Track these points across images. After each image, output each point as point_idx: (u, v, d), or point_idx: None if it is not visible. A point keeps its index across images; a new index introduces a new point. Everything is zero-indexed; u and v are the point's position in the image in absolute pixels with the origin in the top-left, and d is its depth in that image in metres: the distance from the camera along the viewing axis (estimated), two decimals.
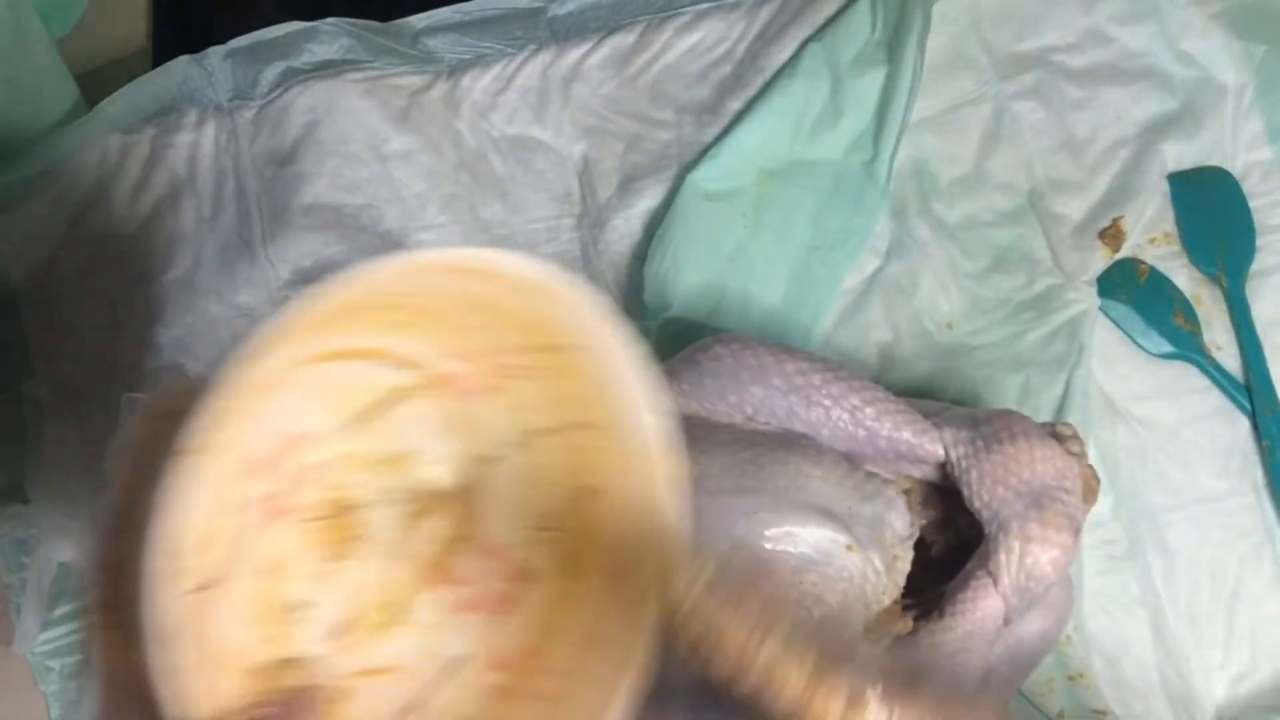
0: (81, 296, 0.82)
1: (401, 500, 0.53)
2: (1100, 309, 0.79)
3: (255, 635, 0.49)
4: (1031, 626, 0.59)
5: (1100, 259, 0.80)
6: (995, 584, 0.56)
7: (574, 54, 0.87)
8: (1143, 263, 0.80)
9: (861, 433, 0.61)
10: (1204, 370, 0.77)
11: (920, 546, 0.61)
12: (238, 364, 0.42)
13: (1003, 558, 0.56)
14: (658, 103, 0.86)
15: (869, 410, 0.61)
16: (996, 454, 0.58)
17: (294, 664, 0.49)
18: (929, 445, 0.60)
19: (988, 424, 0.60)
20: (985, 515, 0.58)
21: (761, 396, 0.62)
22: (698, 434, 0.61)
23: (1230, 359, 0.78)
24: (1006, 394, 0.76)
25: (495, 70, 0.87)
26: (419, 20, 0.88)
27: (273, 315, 0.43)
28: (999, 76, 0.84)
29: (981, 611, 0.56)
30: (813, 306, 0.79)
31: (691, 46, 0.86)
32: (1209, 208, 0.80)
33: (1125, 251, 0.80)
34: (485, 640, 0.52)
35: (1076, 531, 0.56)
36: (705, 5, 0.87)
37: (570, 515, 0.52)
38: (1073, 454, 0.59)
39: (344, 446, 0.52)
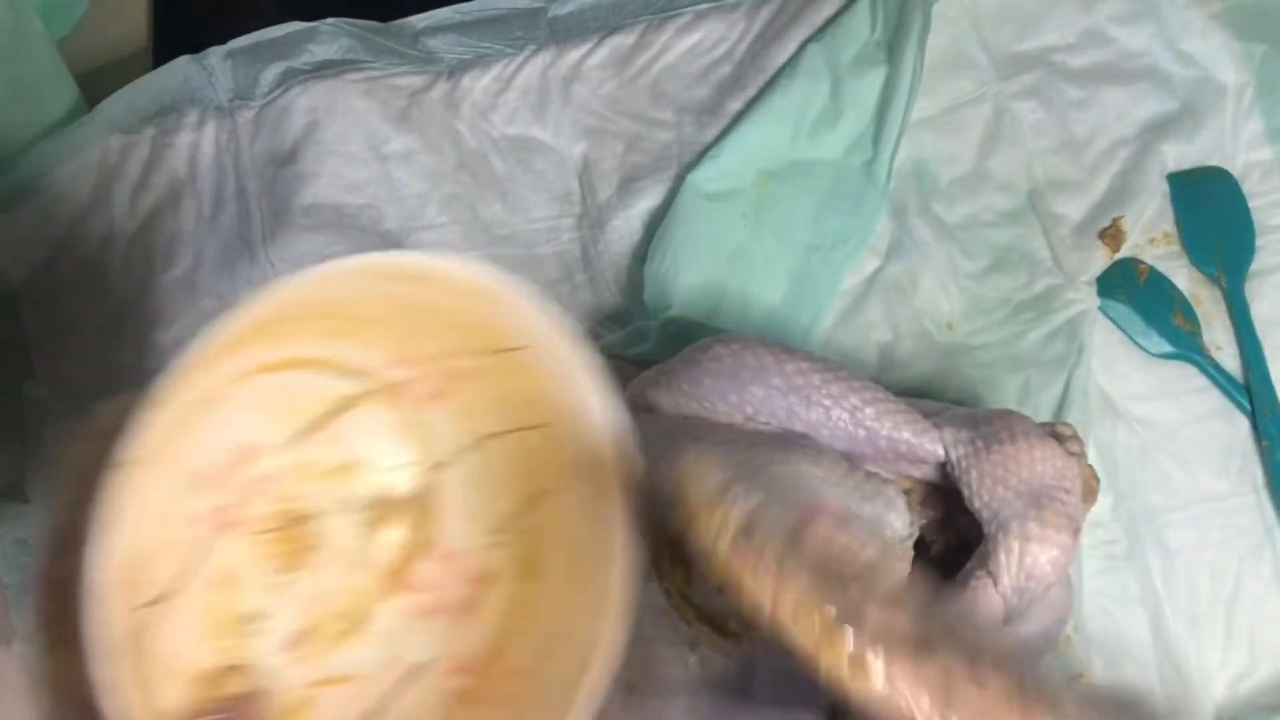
0: (82, 296, 0.82)
1: (357, 509, 0.53)
2: (1100, 309, 0.79)
3: (210, 648, 0.49)
4: (1031, 626, 0.59)
5: (1100, 259, 0.80)
6: (995, 584, 0.57)
7: (574, 54, 0.87)
8: (1142, 263, 0.80)
9: (861, 433, 0.61)
10: (1203, 370, 0.77)
11: (920, 546, 0.62)
12: (172, 377, 0.42)
13: (1002, 557, 0.56)
14: (658, 103, 0.86)
15: (869, 410, 0.61)
16: (996, 454, 0.58)
17: (239, 671, 0.49)
18: (929, 445, 0.60)
19: (988, 424, 0.60)
20: (985, 515, 0.58)
21: (761, 396, 0.62)
22: (698, 434, 0.61)
23: (1230, 359, 0.78)
24: (1006, 394, 0.76)
25: (495, 70, 0.87)
26: (419, 20, 0.89)
27: (206, 328, 0.42)
28: (999, 76, 0.84)
29: (981, 611, 0.57)
30: (813, 306, 0.79)
31: (691, 47, 0.87)
32: (1209, 208, 0.80)
33: (1125, 251, 0.80)
34: (446, 645, 0.52)
35: (1076, 531, 0.56)
36: (705, 5, 0.87)
37: (527, 516, 0.52)
38: (1072, 454, 0.59)
39: (293, 457, 0.52)
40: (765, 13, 0.87)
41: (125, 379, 0.80)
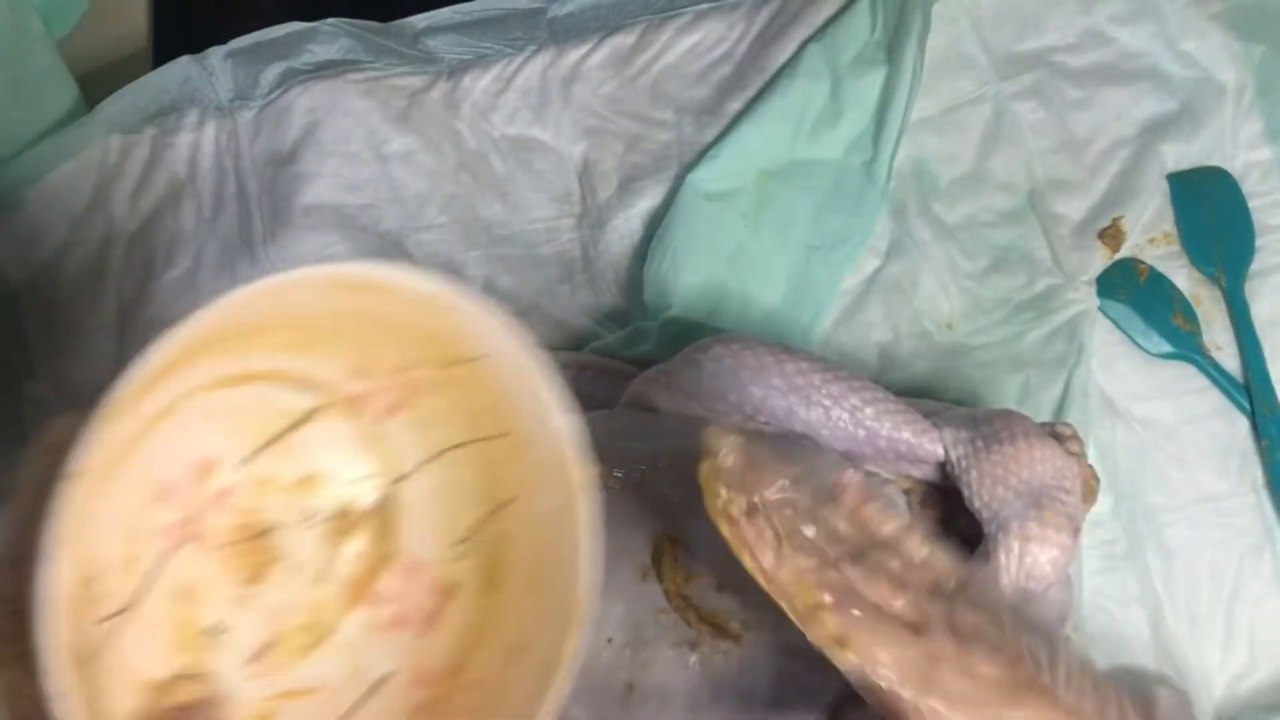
0: (83, 296, 0.82)
1: (319, 522, 0.53)
2: (1100, 309, 0.79)
3: (173, 660, 0.49)
4: None
5: (1100, 259, 0.80)
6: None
7: (574, 54, 0.87)
8: (1142, 263, 0.80)
9: (861, 433, 0.61)
10: (1203, 370, 0.77)
11: None
12: (123, 389, 0.42)
13: (1002, 557, 0.56)
14: (658, 103, 0.86)
15: (869, 410, 0.61)
16: (996, 454, 0.58)
17: (194, 679, 0.49)
18: (929, 445, 0.60)
19: (987, 424, 0.60)
20: (985, 515, 0.58)
21: (761, 396, 0.62)
22: (698, 435, 0.61)
23: (1230, 359, 0.78)
24: (1006, 394, 0.76)
25: (495, 71, 0.87)
26: (419, 21, 0.89)
27: (157, 339, 0.42)
28: (999, 76, 0.84)
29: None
30: (813, 306, 0.79)
31: (691, 47, 0.87)
32: (1208, 208, 0.80)
33: (1125, 251, 0.80)
34: (408, 657, 0.52)
35: (1076, 531, 0.56)
36: (705, 6, 0.87)
37: (490, 527, 0.52)
38: (1072, 454, 0.59)
39: (254, 471, 0.52)
40: (765, 13, 0.87)
41: None
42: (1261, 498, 0.75)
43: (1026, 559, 0.55)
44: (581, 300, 0.82)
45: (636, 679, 0.54)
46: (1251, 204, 0.80)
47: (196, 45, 0.86)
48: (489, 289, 0.82)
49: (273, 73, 0.86)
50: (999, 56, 0.85)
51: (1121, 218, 0.81)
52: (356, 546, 0.53)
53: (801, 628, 0.47)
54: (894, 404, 0.61)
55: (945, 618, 0.46)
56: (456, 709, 0.50)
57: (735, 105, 0.84)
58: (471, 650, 0.51)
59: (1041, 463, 0.58)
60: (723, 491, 0.48)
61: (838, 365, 0.63)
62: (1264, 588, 0.73)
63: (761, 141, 0.81)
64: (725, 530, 0.48)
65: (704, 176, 0.81)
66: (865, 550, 0.48)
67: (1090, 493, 0.61)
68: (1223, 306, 0.79)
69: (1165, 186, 0.81)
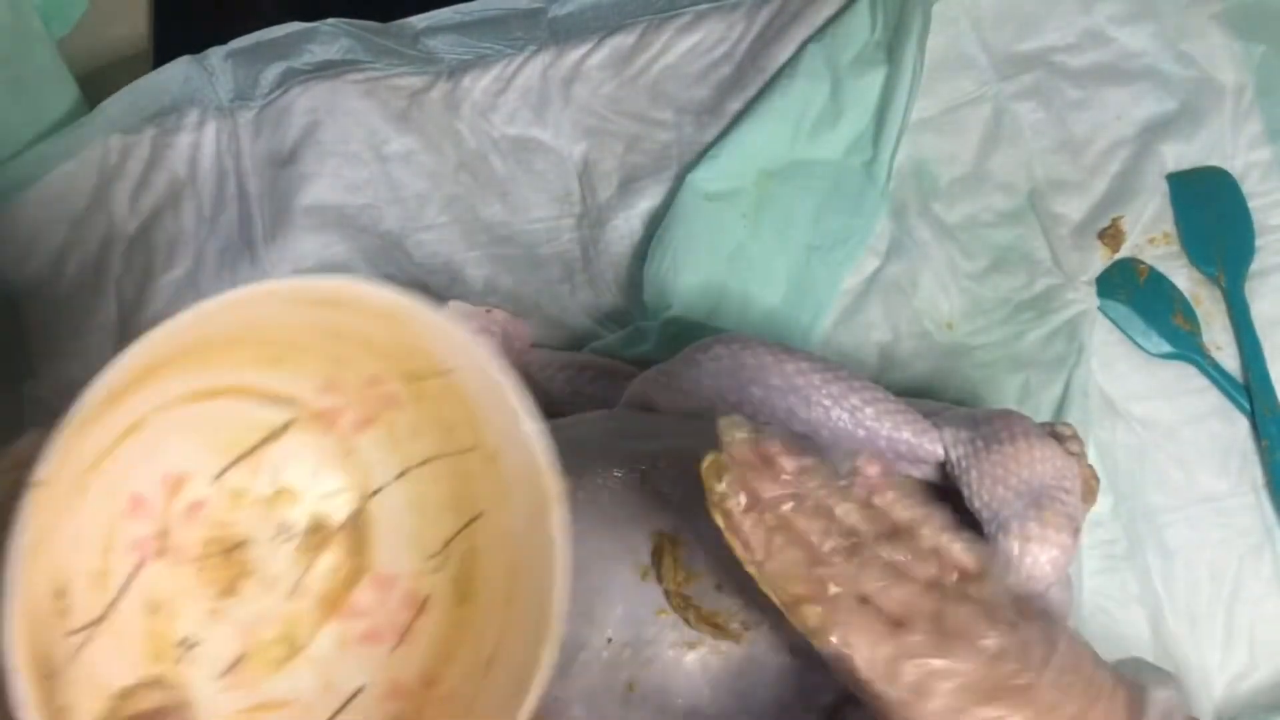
0: (83, 296, 0.82)
1: (292, 536, 0.54)
2: (1100, 309, 0.79)
3: (145, 673, 0.50)
4: None
5: (1100, 259, 0.80)
6: None
7: (574, 54, 0.87)
8: (1142, 263, 0.80)
9: (861, 433, 0.61)
10: (1203, 370, 0.77)
11: None
12: (87, 400, 0.42)
13: (1002, 557, 0.56)
14: (658, 103, 0.86)
15: (869, 410, 0.61)
16: (996, 454, 0.58)
17: (157, 685, 0.50)
18: (929, 445, 0.60)
19: (987, 424, 0.60)
20: (985, 515, 0.58)
21: (761, 396, 0.62)
22: (698, 435, 0.61)
23: (1229, 359, 0.78)
24: (1006, 394, 0.76)
25: (495, 71, 0.87)
26: (419, 21, 0.89)
27: (121, 351, 0.43)
28: (999, 77, 0.84)
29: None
30: (813, 306, 0.79)
31: (691, 47, 0.87)
32: (1208, 208, 0.80)
33: (1125, 251, 0.80)
34: (382, 670, 0.52)
35: (1076, 531, 0.56)
36: (705, 6, 0.87)
37: (463, 540, 0.53)
38: (1072, 454, 0.59)
39: (227, 485, 0.53)
40: (765, 13, 0.87)
41: None
42: (1261, 498, 0.75)
43: (1026, 559, 0.55)
44: (581, 300, 0.82)
45: (636, 679, 0.54)
46: (1251, 204, 0.80)
47: (196, 45, 0.86)
48: (489, 289, 0.82)
49: (273, 73, 0.86)
50: (999, 56, 0.85)
51: (1121, 218, 0.81)
52: (329, 561, 0.54)
53: (788, 617, 0.48)
54: (894, 404, 0.61)
55: (931, 613, 0.47)
56: None
57: (735, 105, 0.84)
58: (445, 663, 0.52)
59: (1041, 463, 0.58)
60: (720, 485, 0.49)
61: (838, 365, 0.63)
62: (1264, 588, 0.73)
63: (761, 141, 0.81)
64: (719, 522, 0.49)
65: (704, 176, 0.81)
66: (876, 539, 0.49)
67: (1090, 493, 0.61)
68: (1223, 306, 0.79)
69: (1165, 186, 0.81)
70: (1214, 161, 0.81)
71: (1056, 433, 0.60)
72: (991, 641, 0.47)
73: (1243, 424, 0.76)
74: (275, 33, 0.86)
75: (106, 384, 0.42)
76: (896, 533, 0.49)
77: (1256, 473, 0.75)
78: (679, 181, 0.82)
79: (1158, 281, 0.79)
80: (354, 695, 0.52)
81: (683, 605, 0.54)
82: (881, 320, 0.79)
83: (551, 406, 0.72)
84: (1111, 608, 0.73)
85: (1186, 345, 0.78)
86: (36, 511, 0.41)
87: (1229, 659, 0.72)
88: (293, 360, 0.51)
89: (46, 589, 0.46)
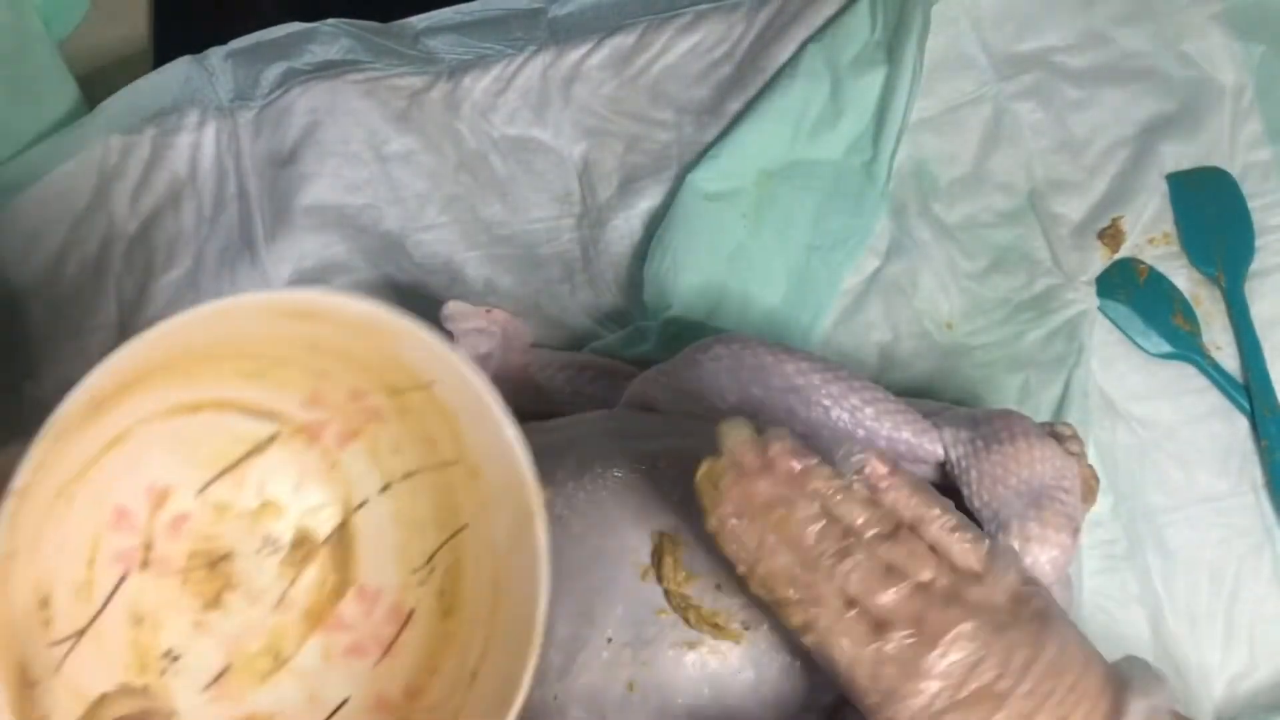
0: (83, 296, 0.82)
1: (277, 549, 0.54)
2: (1099, 309, 0.79)
3: (126, 681, 0.50)
4: None
5: (1099, 259, 0.80)
6: None
7: (574, 54, 0.87)
8: (1142, 263, 0.80)
9: (861, 433, 0.61)
10: (1203, 370, 0.77)
11: None
12: (64, 409, 0.42)
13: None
14: (658, 103, 0.86)
15: (869, 410, 0.61)
16: (996, 454, 0.58)
17: (134, 693, 0.50)
18: (929, 445, 0.60)
19: (987, 424, 0.60)
20: (985, 515, 0.58)
21: (761, 396, 0.62)
22: (698, 435, 0.61)
23: (1229, 359, 0.78)
24: (1006, 394, 0.76)
25: (495, 71, 0.87)
26: (419, 21, 0.89)
27: (96, 366, 0.43)
28: (999, 77, 0.84)
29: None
30: (813, 306, 0.79)
31: (692, 47, 0.87)
32: (1208, 208, 0.80)
33: (1124, 251, 0.80)
34: (367, 683, 0.53)
35: (1075, 531, 0.56)
36: (705, 6, 0.87)
37: (445, 553, 0.53)
38: (1072, 454, 0.59)
39: (211, 498, 0.53)
40: (765, 13, 0.87)
41: None
42: (1261, 498, 0.75)
43: (1026, 559, 0.55)
44: (581, 300, 0.82)
45: (636, 679, 0.54)
46: (1251, 204, 0.80)
47: (197, 45, 0.86)
48: (489, 289, 0.82)
49: (273, 73, 0.86)
50: (999, 56, 0.85)
51: (1121, 218, 0.81)
52: (314, 574, 0.54)
53: (779, 618, 0.49)
54: (894, 404, 0.61)
55: (915, 615, 0.47)
56: None
57: (735, 105, 0.84)
58: (429, 675, 0.52)
59: (1041, 463, 0.58)
60: (713, 490, 0.50)
61: (838, 365, 0.63)
62: (1264, 588, 0.73)
63: (761, 141, 0.81)
64: (712, 527, 0.50)
65: (704, 176, 0.81)
66: (875, 539, 0.49)
67: (1090, 493, 0.61)
68: (1222, 306, 0.79)
69: (1165, 187, 0.81)
70: (1214, 161, 0.81)
71: (1056, 433, 0.60)
72: (969, 647, 0.47)
73: (1243, 424, 0.76)
74: (275, 33, 0.87)
75: (81, 397, 0.43)
76: (899, 530, 0.50)
77: (1256, 473, 0.75)
78: (679, 181, 0.82)
79: (1157, 281, 0.79)
80: (339, 707, 0.53)
81: (683, 605, 0.54)
82: (881, 320, 0.79)
83: (551, 406, 0.72)
84: (1111, 608, 0.73)
85: (1186, 345, 0.78)
86: (14, 521, 0.42)
87: (1229, 659, 0.72)
88: (276, 374, 0.51)
89: (30, 598, 0.46)
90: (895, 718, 0.47)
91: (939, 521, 0.50)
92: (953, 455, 0.60)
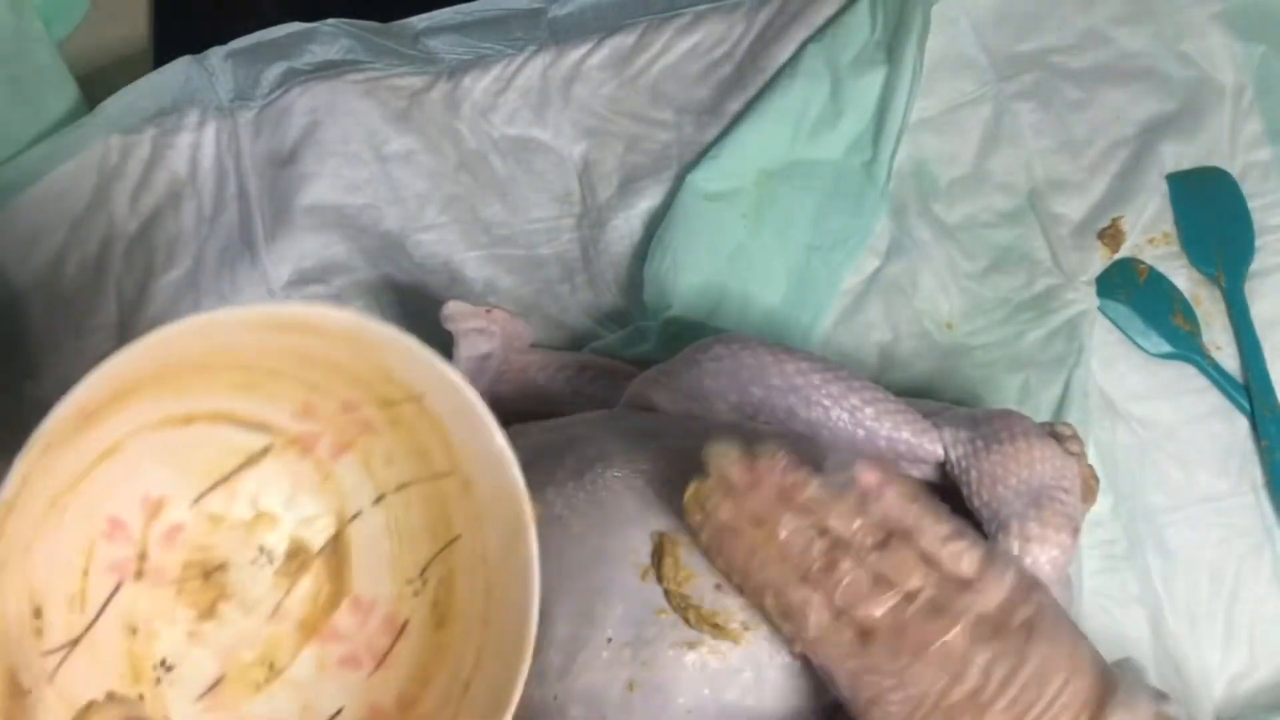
0: (83, 296, 0.82)
1: (271, 560, 0.54)
2: (1099, 309, 0.79)
3: (118, 690, 0.50)
4: None
5: (1099, 259, 0.80)
6: None
7: (574, 55, 0.87)
8: (1142, 263, 0.80)
9: (861, 433, 0.61)
10: (1203, 370, 0.77)
11: None
12: (51, 422, 0.42)
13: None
14: (658, 103, 0.86)
15: (868, 410, 0.61)
16: (996, 454, 0.58)
17: (120, 701, 0.50)
18: (928, 445, 0.60)
19: (987, 424, 0.60)
20: (985, 515, 0.58)
21: (761, 396, 0.62)
22: (698, 435, 0.61)
23: (1229, 359, 0.78)
24: (1006, 394, 0.76)
25: (495, 71, 0.87)
26: (419, 21, 0.89)
27: (81, 376, 0.43)
28: (999, 77, 0.84)
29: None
30: (813, 306, 0.79)
31: (691, 47, 0.87)
32: (1208, 208, 0.80)
33: (1124, 251, 0.80)
34: (361, 693, 0.53)
35: (1075, 531, 0.56)
36: (705, 6, 0.87)
37: (438, 564, 0.53)
38: (1072, 453, 0.59)
39: (205, 509, 0.53)
40: (765, 13, 0.87)
41: None
42: (1261, 498, 0.75)
43: (1026, 559, 0.55)
44: (581, 300, 0.82)
45: (636, 678, 0.54)
46: (1251, 204, 0.80)
47: (197, 45, 0.86)
48: (489, 289, 0.82)
49: (273, 73, 0.86)
50: (999, 56, 0.85)
51: (1121, 218, 0.81)
52: (309, 585, 0.55)
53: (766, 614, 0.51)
54: (894, 404, 0.61)
55: (896, 627, 0.48)
56: None
57: (735, 105, 0.84)
58: (422, 686, 0.52)
59: (1041, 463, 0.58)
60: (700, 510, 0.52)
61: (838, 365, 0.63)
62: (1264, 588, 0.73)
63: (761, 141, 0.81)
64: (702, 542, 0.52)
65: (704, 176, 0.81)
66: (866, 549, 0.50)
67: (1090, 493, 0.61)
68: (1222, 306, 0.79)
69: (1165, 187, 0.81)
70: (1214, 161, 0.81)
71: (1056, 433, 0.60)
72: (952, 659, 0.48)
73: (1243, 424, 0.76)
74: (275, 33, 0.87)
75: (68, 409, 0.43)
76: (889, 540, 0.50)
77: (1256, 473, 0.75)
78: (679, 181, 0.82)
79: (1157, 281, 0.79)
80: (332, 718, 0.53)
81: (683, 605, 0.54)
82: (881, 320, 0.79)
83: (551, 406, 0.72)
84: (1111, 608, 0.73)
85: (1186, 345, 0.78)
86: (2, 532, 0.42)
87: (1229, 659, 0.72)
88: (268, 386, 0.51)
89: (22, 608, 0.46)
90: None
91: (930, 531, 0.51)
92: (953, 455, 0.60)
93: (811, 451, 0.59)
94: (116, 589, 0.51)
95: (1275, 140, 0.81)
